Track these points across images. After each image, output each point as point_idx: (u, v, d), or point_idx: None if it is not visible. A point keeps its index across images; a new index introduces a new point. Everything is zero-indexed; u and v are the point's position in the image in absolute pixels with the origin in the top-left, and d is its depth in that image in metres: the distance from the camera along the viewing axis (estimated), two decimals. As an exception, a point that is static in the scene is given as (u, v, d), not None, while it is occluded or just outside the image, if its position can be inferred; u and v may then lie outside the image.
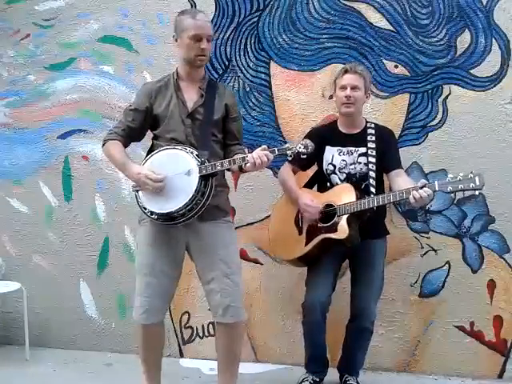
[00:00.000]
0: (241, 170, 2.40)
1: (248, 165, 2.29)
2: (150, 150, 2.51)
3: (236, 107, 2.60)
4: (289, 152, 2.27)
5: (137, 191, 2.41)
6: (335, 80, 2.77)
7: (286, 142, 3.14)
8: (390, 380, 3.07)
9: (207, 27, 2.43)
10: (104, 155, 2.57)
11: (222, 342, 2.51)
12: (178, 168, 2.34)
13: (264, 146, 2.30)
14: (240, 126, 2.62)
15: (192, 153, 2.35)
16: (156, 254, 2.44)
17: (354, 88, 2.67)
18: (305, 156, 2.29)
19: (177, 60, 2.57)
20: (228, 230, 2.53)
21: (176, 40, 2.44)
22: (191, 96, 2.47)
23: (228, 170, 2.43)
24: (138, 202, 2.42)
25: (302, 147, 2.26)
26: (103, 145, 2.49)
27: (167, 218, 2.35)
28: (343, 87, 2.70)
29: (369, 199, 2.55)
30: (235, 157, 2.38)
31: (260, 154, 2.26)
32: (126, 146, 2.50)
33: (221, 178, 2.48)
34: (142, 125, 2.50)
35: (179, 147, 2.38)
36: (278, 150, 2.28)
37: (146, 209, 2.38)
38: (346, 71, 2.71)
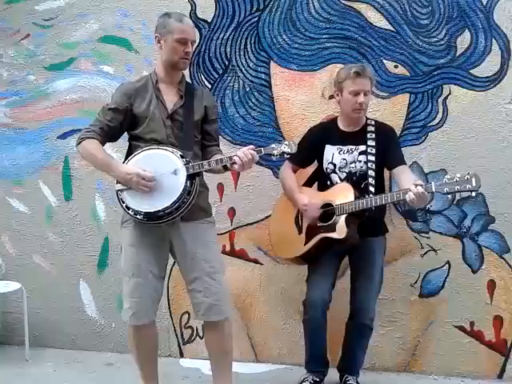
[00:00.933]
0: (226, 169, 2.43)
1: (235, 165, 2.31)
2: (129, 151, 2.50)
3: (215, 109, 2.64)
4: (275, 152, 2.32)
5: (120, 191, 2.39)
6: (342, 82, 2.67)
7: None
8: (389, 380, 3.07)
9: (193, 32, 2.47)
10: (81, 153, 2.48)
11: (210, 342, 2.53)
12: (164, 167, 2.35)
13: (251, 146, 2.33)
14: (217, 128, 2.66)
15: (176, 153, 2.37)
16: (142, 255, 2.44)
17: (365, 93, 2.65)
18: (289, 156, 2.36)
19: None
20: (210, 229, 2.55)
21: (159, 41, 2.45)
22: (171, 98, 2.48)
23: (210, 170, 2.43)
24: (120, 202, 2.41)
25: (287, 147, 2.31)
26: (79, 143, 2.44)
27: (153, 218, 2.35)
28: (356, 93, 2.63)
29: (367, 199, 2.56)
30: (219, 156, 2.41)
31: (246, 153, 2.29)
32: (102, 145, 2.48)
33: (200, 178, 2.49)
34: (121, 124, 2.48)
35: (163, 147, 2.39)
36: (264, 150, 2.33)
37: (129, 209, 2.37)
38: (357, 75, 2.62)
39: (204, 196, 2.55)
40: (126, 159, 2.46)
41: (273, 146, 2.34)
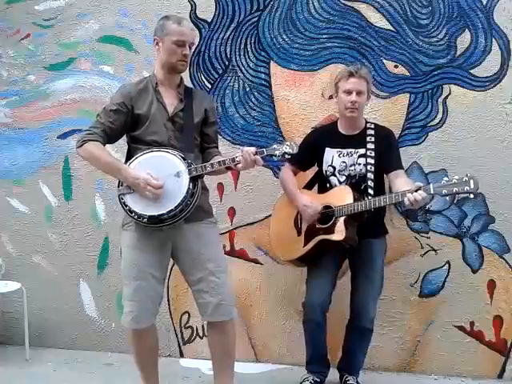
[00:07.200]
0: (228, 169, 2.43)
1: (239, 165, 2.32)
2: (128, 154, 2.49)
3: (215, 112, 2.65)
4: (276, 152, 2.32)
5: (123, 194, 2.38)
6: (337, 82, 2.72)
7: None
8: (389, 380, 3.07)
9: (191, 35, 2.46)
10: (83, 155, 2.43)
11: (214, 342, 2.52)
12: (167, 170, 2.34)
13: (253, 148, 2.32)
14: (217, 130, 2.67)
15: (178, 155, 2.36)
16: (143, 258, 2.42)
17: (358, 93, 2.66)
18: (290, 156, 2.35)
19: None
20: (212, 230, 2.55)
21: (157, 44, 2.44)
22: (171, 101, 2.48)
23: (211, 172, 2.42)
24: (123, 205, 2.39)
25: (288, 147, 2.32)
26: (81, 145, 2.39)
27: (157, 221, 2.33)
28: (348, 92, 2.67)
29: (365, 201, 2.57)
30: (220, 158, 2.41)
31: (246, 156, 2.29)
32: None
33: (202, 180, 2.49)
34: (123, 126, 2.45)
35: (164, 149, 2.38)
36: (266, 151, 2.33)
37: (132, 212, 2.35)
38: (351, 74, 2.67)
39: (205, 197, 2.55)
40: (126, 162, 2.44)
41: (274, 146, 2.34)
